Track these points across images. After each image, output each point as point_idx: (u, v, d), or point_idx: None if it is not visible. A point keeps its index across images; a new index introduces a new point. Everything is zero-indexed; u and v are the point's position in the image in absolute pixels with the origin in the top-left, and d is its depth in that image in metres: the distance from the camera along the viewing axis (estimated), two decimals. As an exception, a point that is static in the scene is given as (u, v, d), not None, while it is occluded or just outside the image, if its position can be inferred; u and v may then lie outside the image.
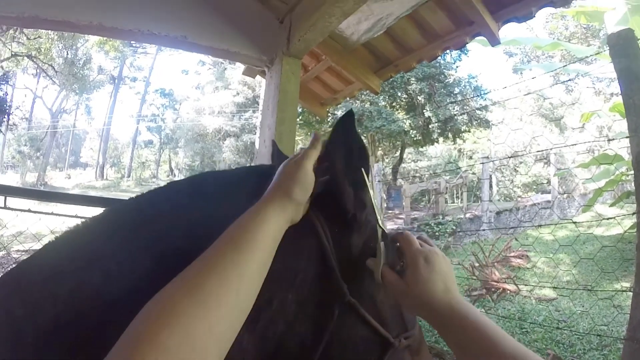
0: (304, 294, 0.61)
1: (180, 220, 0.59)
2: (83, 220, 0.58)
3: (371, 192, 0.68)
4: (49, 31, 18.12)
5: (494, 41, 2.39)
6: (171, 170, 36.92)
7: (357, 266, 0.67)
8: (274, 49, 2.33)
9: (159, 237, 0.57)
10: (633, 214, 2.01)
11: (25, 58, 19.23)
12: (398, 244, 0.68)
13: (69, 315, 0.48)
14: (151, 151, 40.84)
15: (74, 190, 24.74)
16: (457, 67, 16.69)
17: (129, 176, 33.88)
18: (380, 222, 0.68)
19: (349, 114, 0.64)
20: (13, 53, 17.59)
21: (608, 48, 2.14)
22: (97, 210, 0.61)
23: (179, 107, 34.00)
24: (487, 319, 0.55)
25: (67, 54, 23.80)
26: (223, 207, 0.62)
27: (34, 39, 18.24)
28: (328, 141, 0.65)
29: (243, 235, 0.51)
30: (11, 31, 15.56)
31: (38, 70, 23.83)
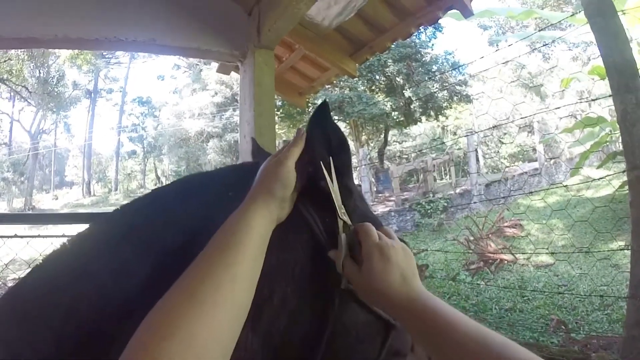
0: (303, 286, 0.61)
1: (168, 225, 0.58)
2: (69, 238, 0.57)
3: (331, 183, 0.66)
4: (19, 52, 17.76)
5: (466, 13, 2.37)
6: (158, 178, 36.51)
7: (351, 253, 0.66)
8: (245, 42, 2.28)
9: (148, 244, 0.55)
10: (623, 172, 2.02)
11: (-3, 82, 18.88)
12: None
13: (68, 332, 0.46)
14: (135, 161, 40.33)
15: (63, 210, 24.41)
16: (432, 45, 16.81)
17: (116, 189, 33.50)
18: (340, 214, 0.66)
19: (323, 104, 0.66)
20: (-18, 80, 17.25)
21: (583, 10, 2.13)
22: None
23: (158, 113, 33.52)
24: (447, 307, 0.55)
25: (40, 72, 23.39)
26: (209, 208, 0.62)
27: (4, 61, 17.89)
28: (306, 134, 0.65)
29: (231, 239, 0.52)
30: (-23, 56, 15.24)
31: (12, 93, 23.35)
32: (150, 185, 34.91)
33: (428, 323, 0.53)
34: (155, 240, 0.56)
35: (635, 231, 1.85)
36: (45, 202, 30.57)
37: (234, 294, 0.48)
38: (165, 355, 0.38)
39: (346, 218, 0.66)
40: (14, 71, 18.85)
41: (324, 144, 0.65)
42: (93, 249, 0.55)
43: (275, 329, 0.57)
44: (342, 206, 0.66)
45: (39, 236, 2.63)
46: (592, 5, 2.09)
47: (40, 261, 0.54)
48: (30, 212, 23.89)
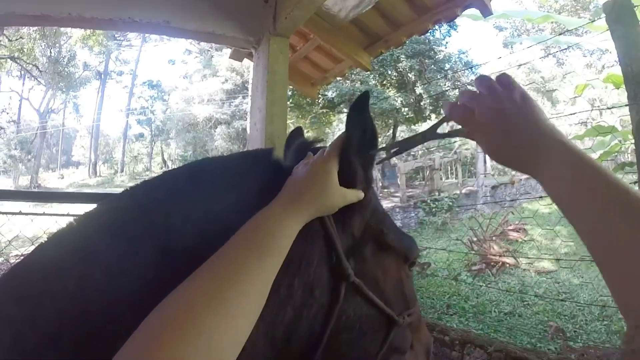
0: (310, 278, 0.60)
1: (178, 209, 0.56)
2: (76, 217, 0.55)
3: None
4: (31, 31, 17.78)
5: (486, 12, 2.34)
6: (164, 162, 36.61)
7: (361, 247, 0.68)
8: (261, 29, 2.25)
9: (157, 226, 0.54)
10: (635, 182, 1.99)
11: (9, 60, 18.91)
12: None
13: (71, 314, 0.45)
14: (143, 144, 40.48)
15: (68, 189, 24.58)
16: (446, 43, 16.73)
17: (122, 171, 33.65)
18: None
19: (364, 96, 0.65)
20: (-5, 56, 17.32)
21: (604, 16, 2.09)
22: (91, 207, 0.57)
23: (167, 97, 33.51)
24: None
25: (51, 52, 23.45)
26: (220, 194, 0.60)
27: (16, 40, 17.94)
28: (346, 123, 0.65)
29: (268, 243, 0.51)
30: (-10, 34, 15.28)
31: (22, 72, 23.44)
32: (157, 169, 35.09)
33: (578, 162, 0.49)
34: (164, 224, 0.54)
35: None
36: (51, 180, 30.76)
37: (260, 300, 0.47)
38: (184, 347, 0.37)
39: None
40: (25, 50, 18.88)
41: (360, 134, 0.65)
42: (100, 229, 0.53)
43: (280, 320, 0.57)
44: None
45: (43, 214, 2.65)
46: (614, 13, 2.05)
47: (46, 240, 0.52)
48: (36, 189, 24.08)
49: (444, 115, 0.69)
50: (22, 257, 0.51)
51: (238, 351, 0.42)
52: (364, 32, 2.85)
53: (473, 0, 2.29)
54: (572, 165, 0.49)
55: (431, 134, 0.76)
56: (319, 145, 0.78)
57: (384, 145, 0.74)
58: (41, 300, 0.45)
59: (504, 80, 0.61)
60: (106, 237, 0.51)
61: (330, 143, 0.67)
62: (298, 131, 0.93)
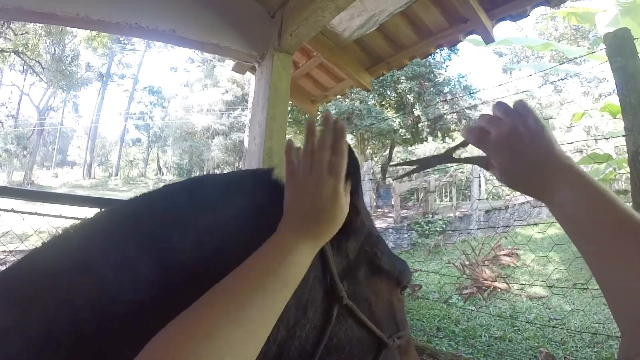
0: (305, 298, 0.60)
1: (177, 224, 0.56)
2: (72, 222, 0.55)
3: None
4: (37, 27, 17.84)
5: (488, 39, 2.37)
6: (159, 168, 36.59)
7: (354, 270, 0.69)
8: (265, 44, 2.27)
9: (155, 240, 0.53)
10: None
11: (12, 54, 18.92)
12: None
13: (60, 323, 0.44)
14: (139, 149, 40.51)
15: (61, 189, 24.42)
16: (447, 66, 16.86)
17: (116, 175, 33.58)
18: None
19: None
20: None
21: (605, 47, 2.13)
22: (84, 210, 0.57)
23: (167, 104, 33.70)
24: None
25: (55, 50, 23.49)
26: (220, 212, 0.60)
27: (21, 34, 17.97)
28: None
29: (285, 271, 0.51)
30: (-2, 26, 15.30)
31: (25, 67, 23.45)
32: (151, 175, 35.03)
33: (586, 191, 0.50)
34: (161, 237, 0.53)
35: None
36: (44, 178, 30.59)
37: (271, 325, 0.48)
38: None
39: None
40: (29, 45, 18.87)
41: None
42: (96, 238, 0.52)
43: (273, 338, 0.56)
44: None
45: (35, 213, 2.61)
46: (614, 45, 2.09)
47: (40, 245, 0.51)
48: (29, 186, 23.90)
49: (462, 140, 0.72)
50: (11, 255, 0.50)
51: None
52: (367, 52, 2.88)
53: (476, 27, 2.32)
54: (584, 193, 0.50)
55: (446, 158, 0.78)
56: None
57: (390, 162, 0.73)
58: (30, 307, 0.44)
59: (520, 106, 0.64)
60: (102, 247, 0.51)
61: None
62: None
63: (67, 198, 2.45)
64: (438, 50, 2.90)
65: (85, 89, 33.78)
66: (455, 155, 0.77)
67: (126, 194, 23.75)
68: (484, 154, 0.69)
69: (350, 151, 0.65)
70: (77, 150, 44.13)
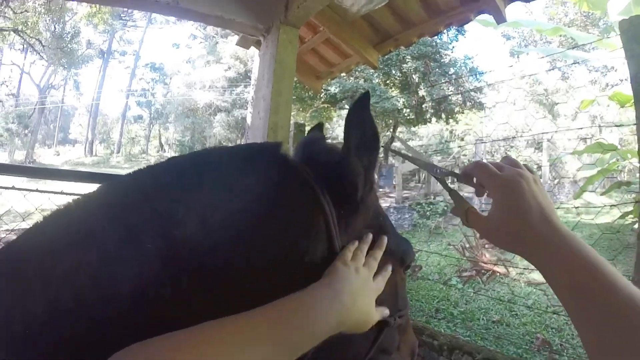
0: (310, 274, 0.59)
1: (183, 196, 0.55)
2: (74, 197, 0.53)
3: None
4: (36, 5, 17.60)
5: (500, 19, 2.31)
6: (161, 145, 36.51)
7: None
8: (271, 16, 2.22)
9: (160, 213, 0.52)
10: (637, 202, 1.99)
11: (12, 33, 18.73)
12: (475, 179, 0.65)
13: (63, 299, 0.43)
14: (141, 126, 40.36)
15: (63, 167, 24.48)
16: (453, 47, 16.63)
17: (118, 152, 33.54)
18: (449, 169, 0.71)
19: (365, 96, 0.62)
20: (-1, 28, 17.11)
21: (619, 34, 2.07)
22: (86, 187, 0.55)
23: (169, 81, 33.33)
24: (597, 255, 0.49)
25: (55, 27, 23.24)
26: (226, 187, 0.59)
27: (21, 12, 17.73)
28: (345, 122, 0.62)
29: (302, 340, 0.50)
30: (-5, 5, 15.09)
31: (25, 45, 23.24)
32: (153, 152, 35.03)
33: (581, 274, 0.48)
34: (166, 211, 0.52)
35: (638, 263, 1.83)
36: (46, 157, 30.64)
37: None
38: None
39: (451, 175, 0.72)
40: (29, 23, 18.66)
41: (360, 135, 0.63)
42: (99, 212, 0.51)
43: None
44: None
45: (37, 190, 2.60)
46: (630, 32, 2.04)
47: (41, 219, 0.50)
48: (31, 165, 23.97)
49: (461, 173, 0.69)
50: (12, 234, 0.49)
51: None
52: (375, 28, 2.82)
53: (487, 7, 2.26)
54: (569, 265, 0.49)
55: (442, 181, 0.75)
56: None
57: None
58: (32, 284, 0.43)
59: (514, 161, 0.63)
60: (105, 221, 0.49)
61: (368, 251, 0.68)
62: (319, 127, 0.93)
63: (70, 174, 2.43)
64: (445, 30, 2.84)
65: (86, 67, 33.60)
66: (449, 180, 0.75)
67: (128, 171, 23.66)
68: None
69: (373, 126, 0.63)
70: (79, 128, 43.99)
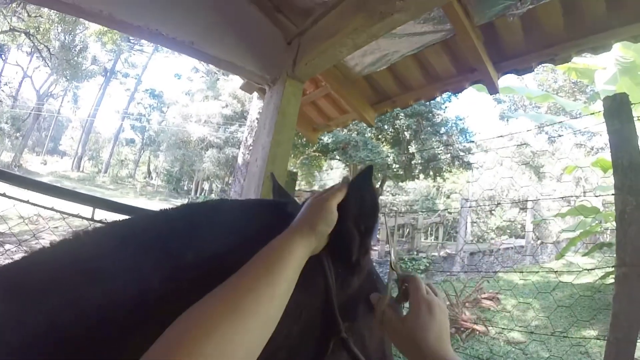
0: (307, 327, 0.64)
1: (196, 242, 0.59)
2: (85, 230, 0.56)
3: (390, 237, 0.84)
4: (51, 12, 17.87)
5: (492, 90, 2.44)
6: (149, 172, 36.29)
7: (352, 305, 0.72)
8: (279, 69, 2.32)
9: (170, 256, 0.56)
10: (614, 266, 2.07)
11: (22, 34, 18.90)
12: (405, 285, 0.74)
13: (64, 320, 0.44)
14: (131, 150, 40.23)
15: (48, 177, 24.08)
16: (446, 107, 17.14)
17: (105, 172, 33.18)
18: (393, 264, 0.78)
19: (369, 169, 0.71)
20: (11, 27, 17.24)
21: (603, 109, 2.21)
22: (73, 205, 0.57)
23: (166, 110, 33.68)
24: None
25: (65, 38, 23.50)
26: (234, 237, 0.64)
27: (35, 17, 17.96)
28: (349, 188, 0.70)
29: (275, 260, 0.56)
30: (14, 4, 15.27)
31: (33, 49, 23.40)
32: (140, 178, 34.74)
33: None
34: (177, 254, 0.56)
35: (614, 324, 1.89)
36: (33, 164, 30.18)
37: (270, 311, 0.51)
38: (198, 352, 0.40)
39: (398, 271, 0.77)
40: (41, 29, 18.89)
41: (360, 203, 0.69)
42: (110, 246, 0.53)
43: None
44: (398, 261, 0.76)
45: (27, 202, 2.57)
46: (612, 109, 2.18)
47: (48, 246, 0.52)
48: (17, 169, 23.58)
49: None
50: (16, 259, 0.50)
51: (250, 358, 0.47)
52: (374, 89, 2.95)
53: (482, 77, 2.38)
54: None
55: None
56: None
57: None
58: (29, 302, 0.44)
59: (437, 292, 0.76)
60: (115, 256, 0.52)
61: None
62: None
63: (57, 191, 2.41)
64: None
65: (87, 82, 33.77)
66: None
67: (112, 193, 23.55)
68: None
69: (374, 197, 0.71)
70: (70, 141, 43.63)
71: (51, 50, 22.10)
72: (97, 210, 2.25)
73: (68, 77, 26.57)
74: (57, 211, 2.34)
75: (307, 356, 0.64)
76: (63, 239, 0.53)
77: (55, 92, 35.52)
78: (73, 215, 2.52)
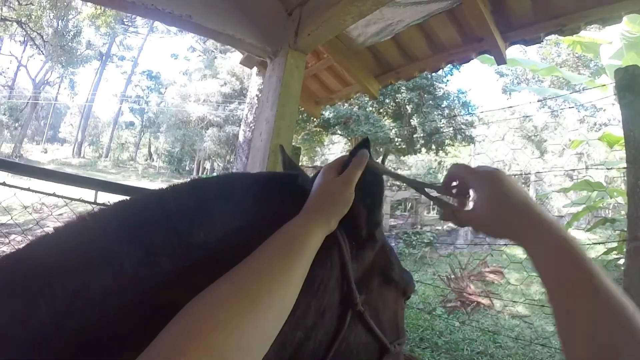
0: (323, 302, 0.62)
1: (205, 221, 0.56)
2: (89, 212, 0.52)
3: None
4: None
5: (500, 60, 2.39)
6: (150, 154, 36.25)
7: (367, 278, 0.71)
8: (280, 41, 2.25)
9: (181, 235, 0.52)
10: (623, 241, 2.07)
11: (14, 24, 18.65)
12: (455, 182, 0.70)
13: (71, 315, 0.41)
14: (131, 133, 40.14)
15: (50, 165, 24.11)
16: (447, 80, 16.96)
17: (106, 156, 33.19)
18: (421, 190, 0.77)
19: (366, 142, 0.69)
20: (2, 17, 17.02)
21: (614, 82, 2.17)
22: (74, 190, 0.54)
23: (164, 91, 33.33)
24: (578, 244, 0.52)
25: (58, 24, 23.20)
26: (246, 213, 0.61)
27: (26, 4, 17.70)
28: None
29: (291, 246, 0.54)
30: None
31: (26, 38, 23.13)
32: (141, 160, 34.73)
33: (566, 255, 0.51)
34: (188, 233, 0.53)
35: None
36: (34, 153, 30.20)
37: (285, 298, 0.49)
38: (210, 343, 0.38)
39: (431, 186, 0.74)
40: (32, 16, 18.63)
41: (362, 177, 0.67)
42: (116, 228, 0.50)
43: (290, 341, 0.57)
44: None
45: (28, 189, 2.56)
46: (624, 80, 2.14)
47: (53, 230, 0.49)
48: (17, 159, 23.59)
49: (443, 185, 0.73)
50: (18, 249, 0.47)
51: (264, 349, 0.45)
52: (378, 60, 2.89)
53: (489, 47, 2.33)
54: (555, 246, 0.52)
55: (423, 190, 0.78)
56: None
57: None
58: (33, 296, 0.41)
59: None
60: (121, 239, 0.49)
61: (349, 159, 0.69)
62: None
63: (61, 176, 2.40)
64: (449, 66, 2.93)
65: (83, 67, 33.52)
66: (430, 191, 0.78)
67: (114, 177, 23.62)
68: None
69: (377, 171, 0.69)
70: (69, 128, 43.54)
71: (44, 37, 21.87)
72: (100, 193, 2.24)
73: (63, 64, 26.29)
74: (58, 196, 2.32)
75: (324, 333, 0.63)
76: (67, 222, 0.50)
77: (52, 79, 35.30)
78: (75, 200, 2.51)
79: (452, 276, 6.85)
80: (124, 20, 30.27)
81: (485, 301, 6.19)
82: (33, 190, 2.52)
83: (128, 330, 0.43)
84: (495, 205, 0.59)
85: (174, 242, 0.51)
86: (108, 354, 0.41)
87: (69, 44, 24.34)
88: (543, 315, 5.96)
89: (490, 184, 0.61)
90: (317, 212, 0.61)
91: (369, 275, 0.72)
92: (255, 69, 4.06)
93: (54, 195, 2.31)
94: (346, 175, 0.66)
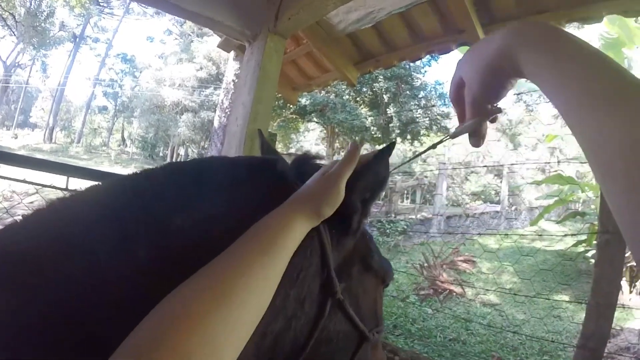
0: (303, 290, 0.61)
1: (180, 206, 0.54)
2: (59, 197, 0.50)
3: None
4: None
5: (480, 51, 2.42)
6: (123, 140, 35.39)
7: (346, 266, 0.71)
8: (259, 24, 2.22)
9: (158, 218, 0.51)
10: (593, 233, 2.15)
11: (-15, 3, 17.82)
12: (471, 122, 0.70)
13: (40, 306, 0.39)
14: (104, 118, 39.09)
15: (20, 151, 23.27)
16: (425, 71, 17.10)
17: (78, 142, 32.17)
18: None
19: (392, 146, 0.67)
20: (-28, -2, 16.22)
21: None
22: (46, 176, 0.51)
23: (139, 75, 32.43)
24: None
25: (31, 4, 22.26)
26: (222, 198, 0.59)
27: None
28: (369, 165, 0.67)
29: (271, 241, 0.52)
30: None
31: (-3, 18, 22.10)
32: (114, 146, 33.89)
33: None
34: (164, 218, 0.51)
35: (595, 288, 1.97)
36: (4, 139, 29.08)
37: (261, 295, 0.47)
38: (181, 350, 0.36)
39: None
40: (4, -4, 17.86)
41: (372, 177, 0.67)
42: (89, 213, 0.48)
43: (270, 330, 0.56)
44: None
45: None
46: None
47: (21, 218, 0.46)
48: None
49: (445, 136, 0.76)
50: None
51: (238, 348, 0.42)
52: (358, 47, 2.88)
53: (470, 39, 2.36)
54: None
55: (459, 132, 0.76)
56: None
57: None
58: (5, 289, 0.39)
59: None
60: (95, 224, 0.47)
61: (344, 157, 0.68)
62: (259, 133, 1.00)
63: (29, 161, 2.32)
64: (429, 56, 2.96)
65: (56, 49, 32.22)
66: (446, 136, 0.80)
67: (87, 162, 22.98)
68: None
69: (388, 171, 0.68)
70: (41, 112, 41.96)
71: (16, 17, 20.93)
72: (72, 179, 2.18)
73: (35, 45, 25.34)
74: (28, 182, 2.24)
75: (305, 321, 0.62)
76: (36, 209, 0.48)
77: (23, 62, 33.88)
78: (46, 187, 2.42)
79: (426, 264, 6.98)
80: (99, 0, 29.26)
81: (457, 289, 6.35)
82: (2, 177, 2.43)
83: (97, 321, 0.41)
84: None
85: (150, 229, 0.49)
86: (76, 344, 0.39)
87: (42, 24, 23.45)
88: (514, 303, 6.16)
89: (468, 63, 0.63)
90: (299, 210, 0.59)
91: (349, 263, 0.71)
92: (232, 53, 4.01)
93: (23, 181, 2.23)
94: (336, 170, 0.64)
